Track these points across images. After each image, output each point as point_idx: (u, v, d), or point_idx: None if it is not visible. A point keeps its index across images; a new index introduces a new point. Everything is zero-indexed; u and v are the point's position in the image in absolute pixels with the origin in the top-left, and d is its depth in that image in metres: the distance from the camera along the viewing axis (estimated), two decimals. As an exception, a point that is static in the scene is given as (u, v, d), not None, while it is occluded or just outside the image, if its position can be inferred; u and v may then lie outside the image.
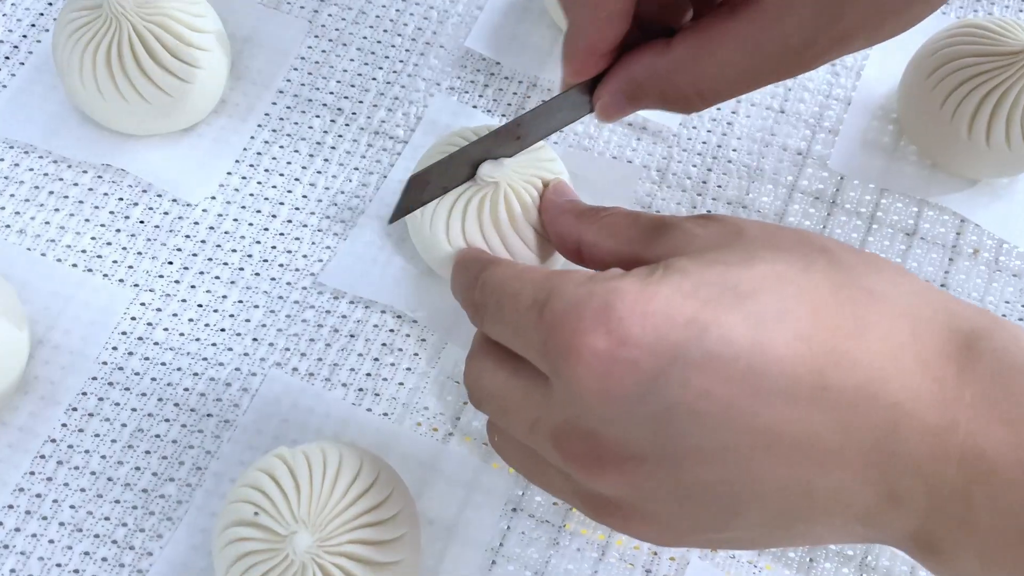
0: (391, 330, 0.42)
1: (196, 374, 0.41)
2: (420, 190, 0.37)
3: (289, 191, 0.44)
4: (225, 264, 0.43)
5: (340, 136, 0.46)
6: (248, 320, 0.42)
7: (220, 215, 0.44)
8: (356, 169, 0.45)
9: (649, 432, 0.27)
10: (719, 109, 0.47)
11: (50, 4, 0.48)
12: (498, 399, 0.32)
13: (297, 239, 0.44)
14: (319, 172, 0.45)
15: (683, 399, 0.26)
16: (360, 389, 0.41)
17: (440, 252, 0.39)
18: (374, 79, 0.47)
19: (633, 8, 0.31)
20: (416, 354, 0.42)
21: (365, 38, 0.48)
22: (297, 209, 0.44)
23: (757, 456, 0.26)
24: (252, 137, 0.45)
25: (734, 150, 0.47)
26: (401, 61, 0.47)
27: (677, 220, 0.31)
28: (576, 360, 0.27)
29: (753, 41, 0.31)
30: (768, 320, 0.26)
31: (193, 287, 0.42)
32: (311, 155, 0.45)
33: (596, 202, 0.44)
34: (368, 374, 0.41)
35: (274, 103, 0.46)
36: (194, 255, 0.43)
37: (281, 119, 0.46)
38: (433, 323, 0.42)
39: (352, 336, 0.42)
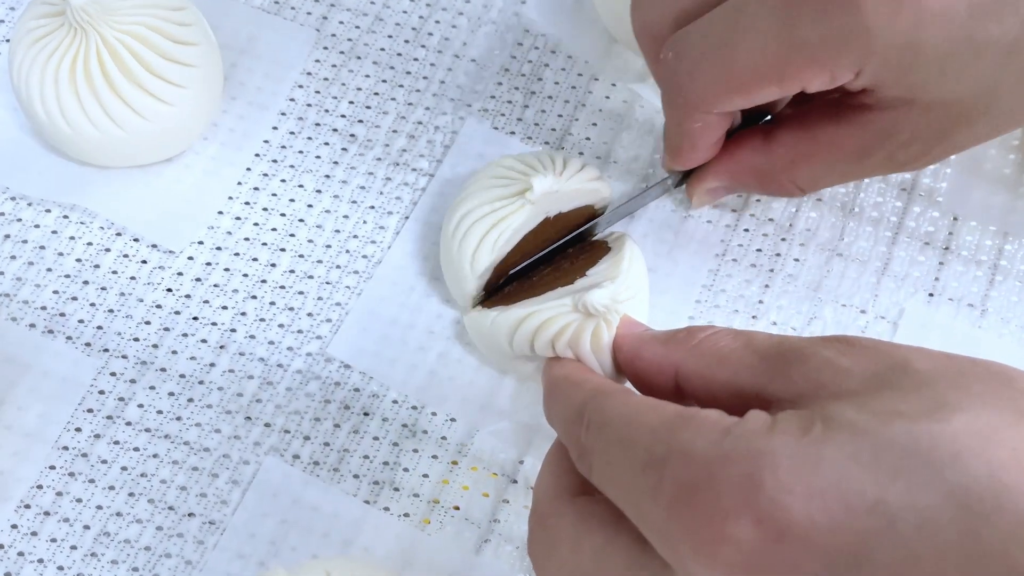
0: (413, 407, 0.36)
1: (176, 462, 0.35)
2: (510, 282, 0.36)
3: (291, 235, 0.39)
4: (213, 324, 0.38)
5: (353, 168, 0.41)
6: (240, 394, 0.36)
7: (208, 264, 0.39)
8: (372, 208, 0.40)
9: None
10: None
11: (12, 9, 0.42)
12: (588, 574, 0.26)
13: (301, 293, 0.38)
14: (328, 211, 0.40)
15: None
16: (375, 482, 0.35)
17: (498, 346, 0.34)
18: (393, 99, 0.42)
19: (723, 137, 0.34)
20: (444, 437, 0.36)
21: (383, 50, 0.43)
22: (301, 257, 0.39)
23: None
24: (248, 169, 0.41)
25: (824, 184, 0.40)
26: (425, 78, 0.42)
27: (808, 345, 0.25)
28: (711, 556, 0.22)
29: (858, 152, 0.33)
30: (981, 500, 0.21)
31: (174, 353, 0.37)
32: (318, 191, 0.40)
33: (661, 250, 0.37)
34: (385, 463, 0.35)
35: (275, 128, 0.41)
36: (176, 313, 0.38)
37: (283, 147, 0.41)
38: (461, 412, 0.36)
39: (366, 414, 0.36)
